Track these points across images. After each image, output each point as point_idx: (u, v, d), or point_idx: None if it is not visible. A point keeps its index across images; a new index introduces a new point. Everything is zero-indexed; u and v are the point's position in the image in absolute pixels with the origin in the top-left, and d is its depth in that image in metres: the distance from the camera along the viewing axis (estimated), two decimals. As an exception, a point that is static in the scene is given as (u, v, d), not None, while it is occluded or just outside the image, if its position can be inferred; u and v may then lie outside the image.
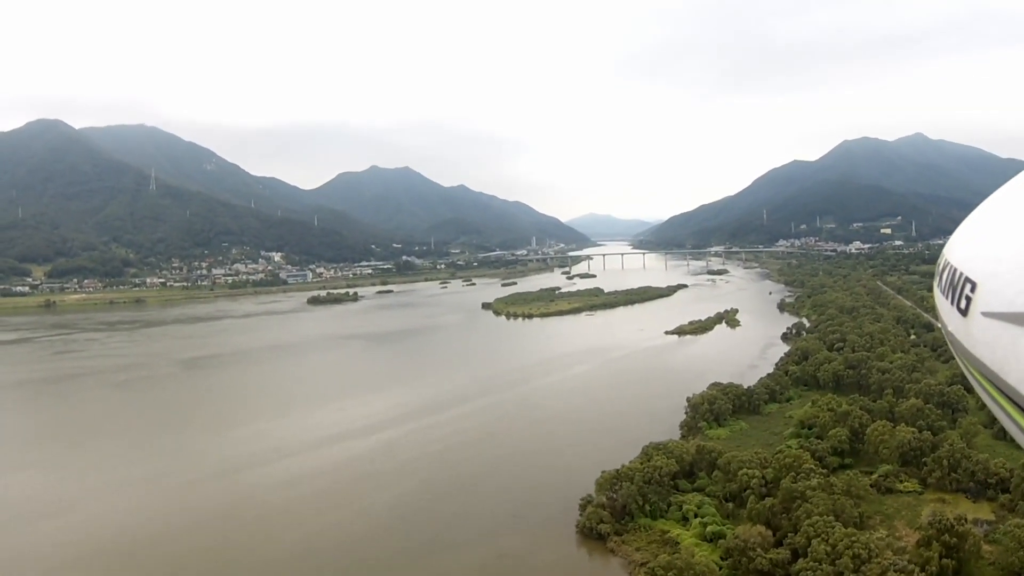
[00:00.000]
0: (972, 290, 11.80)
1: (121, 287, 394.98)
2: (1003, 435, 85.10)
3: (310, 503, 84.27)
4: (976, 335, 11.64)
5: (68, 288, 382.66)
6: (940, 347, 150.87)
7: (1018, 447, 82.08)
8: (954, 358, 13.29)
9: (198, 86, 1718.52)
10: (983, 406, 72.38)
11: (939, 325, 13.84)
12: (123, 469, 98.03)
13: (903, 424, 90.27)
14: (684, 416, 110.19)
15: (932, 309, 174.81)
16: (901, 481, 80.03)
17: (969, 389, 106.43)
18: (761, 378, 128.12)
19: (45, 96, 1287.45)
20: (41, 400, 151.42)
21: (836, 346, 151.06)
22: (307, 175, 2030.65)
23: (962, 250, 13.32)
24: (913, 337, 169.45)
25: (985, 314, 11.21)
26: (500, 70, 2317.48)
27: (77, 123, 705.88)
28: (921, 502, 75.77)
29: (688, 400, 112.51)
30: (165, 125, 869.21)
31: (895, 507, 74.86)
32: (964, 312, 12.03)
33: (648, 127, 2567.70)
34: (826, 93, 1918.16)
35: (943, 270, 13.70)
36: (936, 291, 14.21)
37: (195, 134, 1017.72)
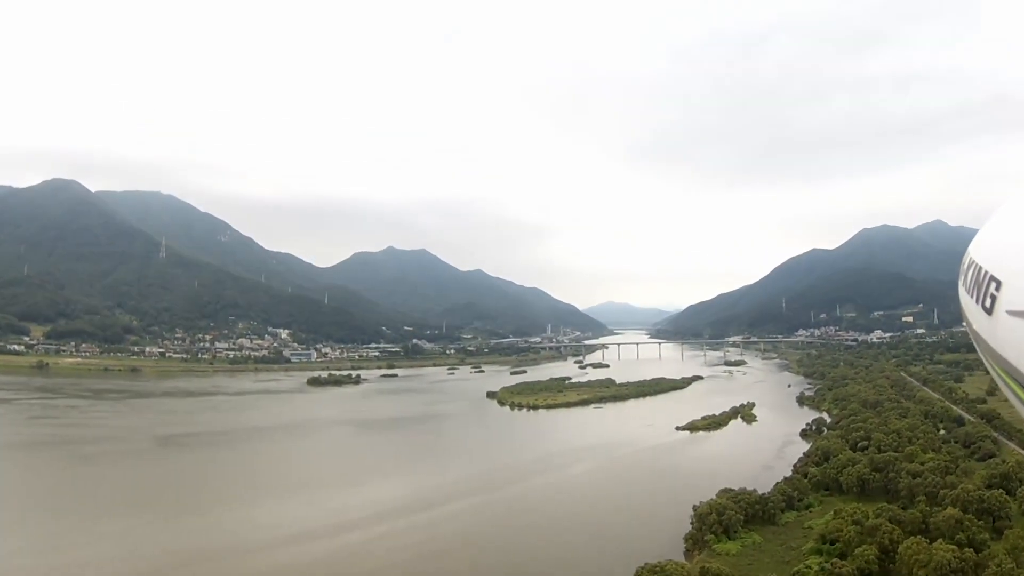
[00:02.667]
0: (997, 288, 11.64)
1: (119, 354, 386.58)
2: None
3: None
4: (1001, 333, 11.42)
5: (65, 351, 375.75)
6: (973, 443, 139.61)
7: None
8: (983, 364, 13.01)
9: (219, 157, 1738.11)
10: None
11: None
12: (53, 554, 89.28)
13: (940, 540, 77.53)
14: (690, 527, 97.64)
15: (961, 401, 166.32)
16: (941, 613, 67.30)
17: (1010, 493, 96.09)
18: (777, 482, 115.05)
19: (64, 155, 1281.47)
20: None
21: (860, 445, 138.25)
22: (323, 252, 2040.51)
23: (987, 249, 13.18)
24: (943, 432, 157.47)
25: (1010, 312, 11.00)
26: (522, 154, 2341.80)
27: (94, 185, 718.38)
28: (966, 641, 63.14)
29: (695, 509, 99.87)
30: (182, 193, 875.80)
31: (936, 649, 62.16)
32: (989, 311, 11.90)
33: (668, 214, 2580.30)
34: (845, 181, 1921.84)
35: (968, 268, 13.96)
36: (960, 289, 14.65)
37: (212, 204, 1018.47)
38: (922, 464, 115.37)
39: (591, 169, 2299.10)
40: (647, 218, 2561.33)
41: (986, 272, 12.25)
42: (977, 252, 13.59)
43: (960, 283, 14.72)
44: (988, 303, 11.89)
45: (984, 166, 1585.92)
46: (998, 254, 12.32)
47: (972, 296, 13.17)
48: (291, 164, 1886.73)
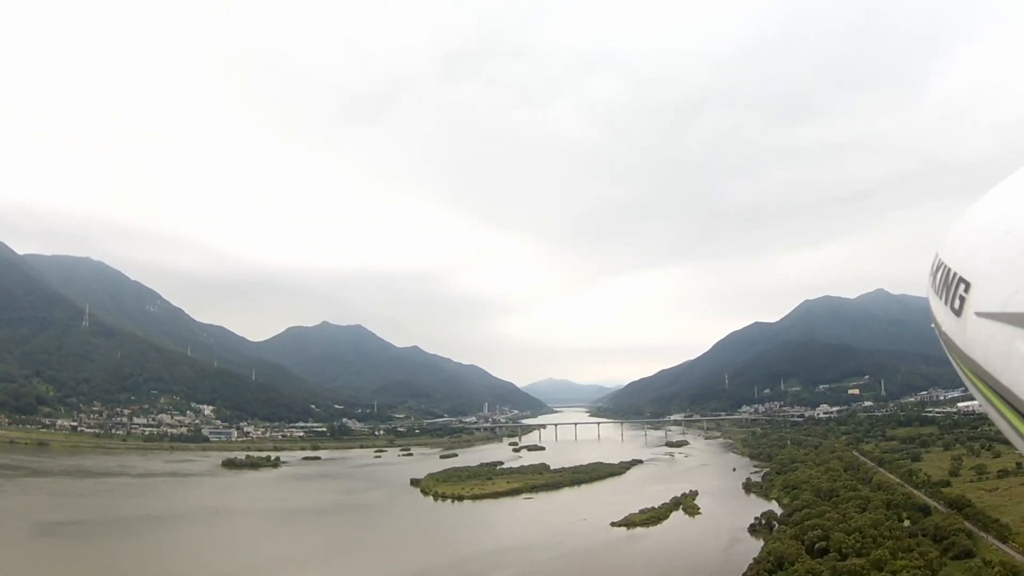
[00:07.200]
0: (966, 290, 11.66)
1: (29, 426, 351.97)
2: None
3: None
4: (970, 335, 11.51)
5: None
6: (945, 538, 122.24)
7: None
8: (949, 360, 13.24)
9: (153, 225, 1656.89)
10: None
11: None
12: None
13: None
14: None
15: (923, 484, 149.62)
16: None
17: None
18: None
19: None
20: None
21: (818, 546, 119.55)
22: (257, 326, 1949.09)
23: (955, 249, 13.20)
24: (907, 523, 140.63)
25: (979, 314, 11.02)
26: (458, 228, 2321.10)
27: (23, 248, 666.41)
28: None
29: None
30: (114, 261, 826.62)
31: None
32: (958, 312, 11.95)
33: (606, 290, 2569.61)
34: (784, 253, 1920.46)
35: (936, 269, 13.96)
36: (929, 291, 14.59)
37: (143, 273, 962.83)
38: (894, 573, 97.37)
39: (526, 245, 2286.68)
40: (586, 293, 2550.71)
41: (955, 274, 12.18)
42: (945, 253, 13.37)
43: (928, 284, 14.30)
44: (957, 304, 11.74)
45: (923, 234, 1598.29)
46: (966, 256, 12.14)
47: (940, 298, 12.96)
48: (227, 236, 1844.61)
